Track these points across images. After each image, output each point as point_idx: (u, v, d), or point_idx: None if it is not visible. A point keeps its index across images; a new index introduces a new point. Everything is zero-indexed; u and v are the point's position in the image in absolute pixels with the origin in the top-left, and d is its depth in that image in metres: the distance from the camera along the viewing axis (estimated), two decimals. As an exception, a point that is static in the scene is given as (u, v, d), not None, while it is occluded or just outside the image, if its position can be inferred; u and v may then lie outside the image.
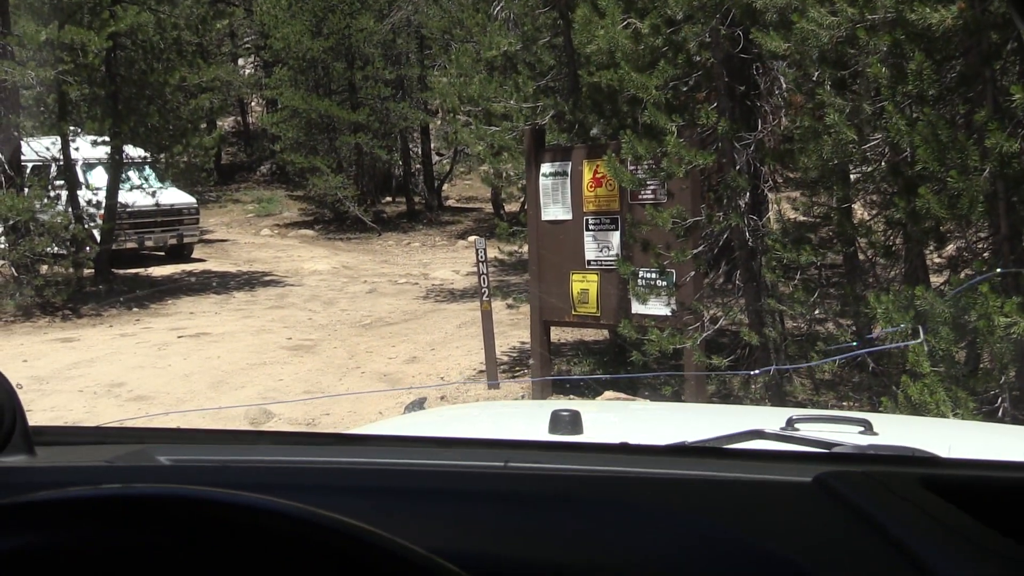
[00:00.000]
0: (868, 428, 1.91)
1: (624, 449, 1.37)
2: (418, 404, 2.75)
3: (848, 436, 1.80)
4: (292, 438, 1.49)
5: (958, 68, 5.16)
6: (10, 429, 1.07)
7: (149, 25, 13.91)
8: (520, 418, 2.63)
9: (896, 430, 2.07)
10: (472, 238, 16.82)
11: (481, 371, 8.77)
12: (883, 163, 5.68)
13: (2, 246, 12.57)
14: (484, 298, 8.43)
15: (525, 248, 9.07)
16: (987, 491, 1.01)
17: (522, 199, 12.39)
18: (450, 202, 25.41)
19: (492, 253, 9.77)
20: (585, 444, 1.43)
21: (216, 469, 1.09)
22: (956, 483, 1.03)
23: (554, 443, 1.51)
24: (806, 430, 1.88)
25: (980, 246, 5.88)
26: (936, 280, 6.46)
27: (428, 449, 1.24)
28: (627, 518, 0.94)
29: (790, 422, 1.92)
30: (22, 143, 13.31)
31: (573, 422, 1.96)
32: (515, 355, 9.66)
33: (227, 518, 0.73)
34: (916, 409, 4.37)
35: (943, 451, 1.52)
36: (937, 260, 6.81)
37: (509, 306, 9.78)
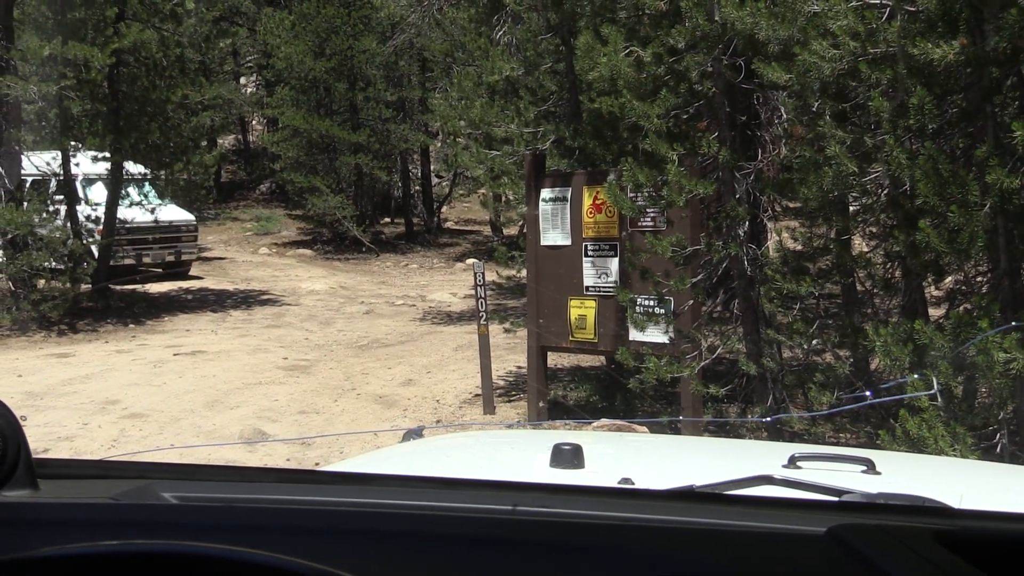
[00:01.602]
0: (871, 467, 1.90)
1: (633, 494, 1.36)
2: (416, 432, 2.73)
3: (852, 476, 1.79)
4: (297, 476, 1.48)
5: (959, 103, 5.19)
6: (14, 463, 1.06)
7: (152, 42, 13.97)
8: (518, 448, 2.62)
9: (900, 471, 2.06)
10: (470, 261, 16.84)
11: (477, 395, 8.75)
12: (883, 196, 5.70)
13: (0, 260, 12.56)
14: (481, 322, 8.43)
15: (523, 272, 9.08)
16: (1000, 545, 1.01)
17: (521, 223, 12.41)
18: (449, 224, 25.45)
19: (490, 277, 9.77)
20: (594, 488, 1.42)
21: (222, 509, 1.08)
22: (969, 537, 1.02)
23: (562, 486, 1.50)
24: (809, 468, 1.88)
25: (979, 280, 5.89)
26: (934, 313, 6.46)
27: (434, 490, 1.23)
28: (639, 567, 0.94)
29: (792, 460, 1.92)
30: (23, 157, 13.32)
31: (575, 456, 1.95)
32: (511, 379, 9.64)
33: (225, 574, 0.73)
34: (914, 444, 4.36)
35: (953, 498, 1.51)
36: (935, 293, 6.82)
37: (506, 330, 9.78)
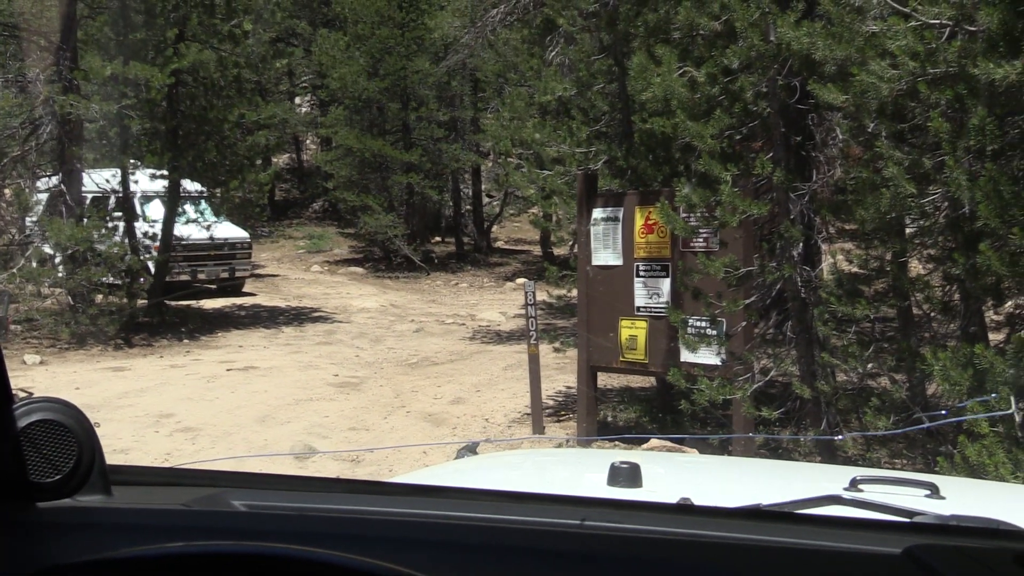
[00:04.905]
0: (935, 491, 1.86)
1: (700, 511, 1.35)
2: (471, 449, 2.75)
3: (917, 500, 1.76)
4: (365, 487, 1.49)
5: (1021, 124, 5.10)
6: (88, 468, 1.08)
7: (211, 63, 14.21)
8: (572, 467, 2.61)
9: (965, 495, 2.02)
10: (521, 280, 16.85)
11: (526, 414, 8.73)
12: (941, 218, 5.61)
13: (60, 274, 12.82)
14: (532, 341, 8.42)
15: (574, 292, 9.06)
16: None
17: (572, 243, 12.41)
18: (499, 244, 25.51)
19: (540, 296, 9.77)
20: (661, 504, 1.41)
21: (293, 517, 1.09)
22: None
23: (629, 501, 1.49)
24: (870, 491, 1.84)
25: (1040, 305, 5.77)
26: (994, 338, 6.33)
27: (502, 503, 1.23)
28: None
29: (854, 482, 1.89)
30: (83, 174, 13.61)
31: (632, 475, 1.93)
32: (561, 399, 9.62)
33: (296, 574, 0.73)
34: (974, 470, 4.27)
35: None
36: (994, 317, 6.68)
37: (556, 350, 9.76)
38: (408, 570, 0.76)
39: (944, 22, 4.97)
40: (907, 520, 1.49)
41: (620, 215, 7.50)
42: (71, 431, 1.08)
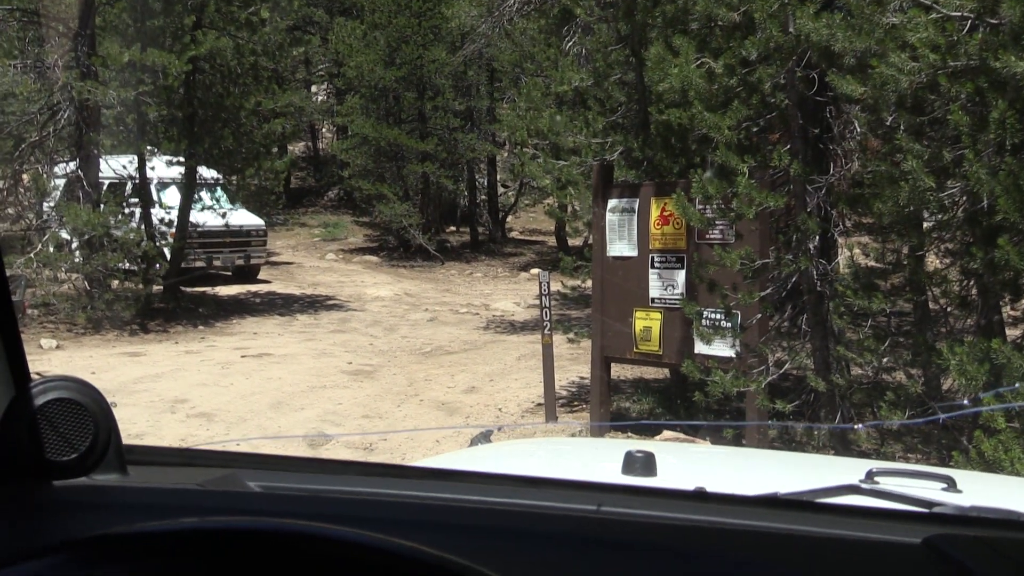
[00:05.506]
0: (951, 484, 1.85)
1: (718, 499, 1.35)
2: (484, 437, 2.75)
3: (935, 493, 1.75)
4: (380, 470, 1.49)
5: (1042, 118, 5.05)
6: (104, 447, 1.09)
7: (228, 50, 14.24)
8: (586, 456, 2.61)
9: (983, 488, 2.01)
10: (535, 271, 16.83)
11: (539, 404, 8.73)
12: (960, 212, 5.58)
13: (77, 259, 12.88)
14: (545, 331, 8.41)
15: (588, 283, 9.05)
16: None
17: (587, 234, 12.39)
18: (514, 234, 25.50)
19: (555, 287, 9.76)
20: (678, 491, 1.41)
21: (308, 499, 1.09)
22: None
23: (646, 488, 1.49)
24: (887, 483, 1.83)
25: (1059, 300, 5.73)
26: (1011, 333, 6.29)
27: (517, 487, 1.23)
28: (726, 571, 0.92)
29: (870, 475, 1.88)
30: (101, 160, 13.66)
31: (647, 464, 1.93)
32: (574, 390, 9.62)
33: (316, 552, 0.73)
34: (989, 466, 4.25)
35: None
36: (1012, 312, 6.65)
37: (570, 340, 9.75)
38: (423, 547, 0.75)
39: (965, 14, 4.93)
40: (927, 510, 1.48)
41: (636, 206, 7.48)
42: (87, 410, 1.08)
